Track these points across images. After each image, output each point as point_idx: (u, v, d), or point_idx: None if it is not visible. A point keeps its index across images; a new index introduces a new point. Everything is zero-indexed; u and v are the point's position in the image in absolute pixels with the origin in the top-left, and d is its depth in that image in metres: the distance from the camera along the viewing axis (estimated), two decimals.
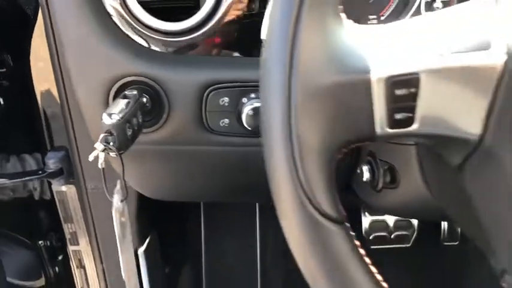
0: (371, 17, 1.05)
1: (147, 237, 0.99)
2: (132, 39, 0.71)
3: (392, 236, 1.25)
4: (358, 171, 0.82)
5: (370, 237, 1.25)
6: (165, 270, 1.25)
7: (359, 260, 0.49)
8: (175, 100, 0.70)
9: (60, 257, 1.14)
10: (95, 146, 0.58)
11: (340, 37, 0.47)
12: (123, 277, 0.77)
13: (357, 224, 1.24)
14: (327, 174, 0.46)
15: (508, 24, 0.45)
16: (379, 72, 0.45)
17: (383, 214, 1.24)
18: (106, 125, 0.59)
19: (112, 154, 0.60)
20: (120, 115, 0.59)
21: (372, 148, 0.80)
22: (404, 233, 1.26)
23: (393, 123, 0.46)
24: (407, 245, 1.29)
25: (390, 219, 1.25)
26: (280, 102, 0.44)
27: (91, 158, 0.59)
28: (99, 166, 0.61)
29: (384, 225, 1.24)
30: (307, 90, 0.44)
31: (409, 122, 0.47)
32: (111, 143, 0.58)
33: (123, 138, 0.60)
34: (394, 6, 1.05)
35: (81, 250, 1.07)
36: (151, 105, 0.68)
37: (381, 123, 0.46)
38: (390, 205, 0.87)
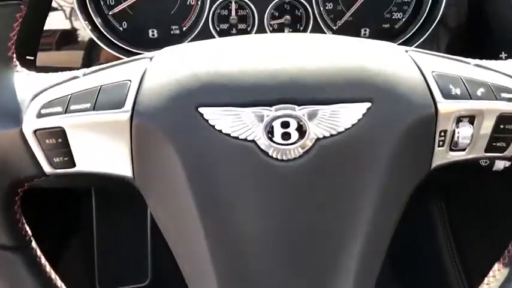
0: (174, 27, 1.29)
1: None
2: None
3: None
4: None
5: None
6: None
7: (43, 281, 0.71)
8: None
9: None
10: None
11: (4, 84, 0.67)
12: None
13: None
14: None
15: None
16: (28, 126, 0.62)
17: None
18: None
19: None
20: None
21: None
22: None
23: (55, 165, 0.64)
24: None
25: None
26: None
27: None
28: None
29: None
30: None
31: (69, 164, 0.64)
32: None
33: None
34: (194, 17, 1.28)
35: None
36: None
37: (47, 165, 0.63)
38: None
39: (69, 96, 0.63)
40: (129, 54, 1.24)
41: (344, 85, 0.62)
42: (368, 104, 0.61)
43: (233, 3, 1.29)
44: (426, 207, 1.80)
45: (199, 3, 1.28)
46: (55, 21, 1.21)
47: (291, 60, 0.64)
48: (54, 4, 1.19)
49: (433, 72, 0.65)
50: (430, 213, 1.78)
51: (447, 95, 0.64)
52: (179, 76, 0.63)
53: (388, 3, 1.31)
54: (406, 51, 0.69)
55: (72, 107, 0.62)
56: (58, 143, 0.63)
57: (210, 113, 0.61)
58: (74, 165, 0.64)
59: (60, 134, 0.62)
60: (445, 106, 0.64)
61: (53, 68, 1.19)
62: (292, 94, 0.61)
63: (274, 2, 1.28)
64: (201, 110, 0.61)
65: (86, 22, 1.20)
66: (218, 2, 1.27)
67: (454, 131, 0.65)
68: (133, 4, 1.25)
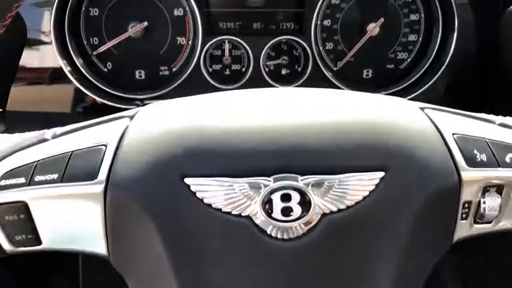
0: (162, 68, 1.21)
1: None
2: None
3: None
4: None
5: None
6: None
7: None
8: None
9: None
10: None
11: None
12: None
13: None
14: None
15: None
16: None
17: None
18: None
19: None
20: None
21: None
22: None
23: (17, 243, 0.56)
24: None
25: None
26: None
27: None
28: None
29: None
30: None
31: (34, 242, 0.56)
32: None
33: None
34: (185, 57, 1.19)
35: None
36: None
37: (7, 243, 0.56)
38: None
39: (35, 164, 0.56)
40: (113, 98, 1.17)
41: (353, 151, 0.54)
42: (381, 173, 0.54)
43: (226, 43, 1.22)
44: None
45: (190, 42, 1.20)
46: (39, 57, 1.13)
47: (291, 121, 0.56)
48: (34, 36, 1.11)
49: (454, 134, 0.58)
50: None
51: (472, 162, 0.57)
52: (162, 140, 0.55)
53: (392, 43, 1.24)
54: (422, 108, 0.61)
55: (37, 178, 0.55)
56: (20, 219, 0.55)
57: (197, 185, 0.53)
58: (39, 242, 0.57)
59: (22, 209, 0.55)
60: (469, 175, 0.56)
61: (28, 114, 1.14)
62: (294, 161, 0.53)
63: (270, 42, 1.20)
64: (188, 180, 0.53)
65: (65, 62, 1.11)
66: (211, 42, 1.20)
67: (479, 202, 0.58)
68: (119, 43, 1.17)
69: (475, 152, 0.57)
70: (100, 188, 0.53)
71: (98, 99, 1.13)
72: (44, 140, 0.59)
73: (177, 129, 0.55)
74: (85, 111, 1.16)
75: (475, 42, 1.19)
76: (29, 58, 1.11)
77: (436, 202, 0.55)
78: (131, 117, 0.59)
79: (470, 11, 1.16)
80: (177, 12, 1.18)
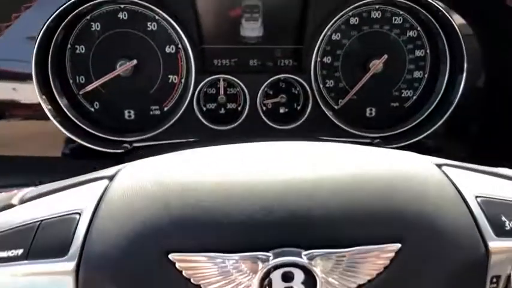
0: (153, 107, 1.16)
1: None
2: None
3: None
4: None
5: None
6: None
7: None
8: None
9: None
10: None
11: None
12: None
13: None
14: None
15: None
16: None
17: None
18: None
19: None
20: None
21: None
22: None
23: None
24: None
25: None
26: None
27: None
28: None
29: None
30: None
31: None
32: None
33: None
34: (177, 96, 1.13)
35: None
36: None
37: None
38: None
39: None
40: (99, 141, 1.10)
41: (364, 220, 0.48)
42: (397, 246, 0.47)
43: (221, 81, 1.15)
44: None
45: (182, 81, 1.14)
46: (23, 93, 1.06)
47: (293, 184, 0.49)
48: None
49: (477, 197, 0.52)
50: None
51: (500, 231, 0.50)
52: (145, 208, 0.48)
53: (396, 80, 1.18)
54: (439, 166, 0.55)
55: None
56: None
57: (184, 261, 0.46)
58: None
59: None
60: (498, 245, 0.50)
61: (10, 158, 1.07)
62: (296, 233, 0.47)
63: (268, 80, 1.14)
64: (173, 256, 0.46)
65: (45, 99, 1.05)
66: (205, 81, 1.13)
67: (510, 276, 0.51)
68: (107, 82, 1.11)
69: (503, 218, 0.51)
70: (71, 265, 0.47)
71: (83, 143, 1.06)
72: (10, 206, 0.52)
73: (162, 196, 0.49)
74: (72, 153, 1.10)
75: (484, 76, 1.13)
76: (16, 93, 1.05)
77: (460, 278, 0.49)
78: (110, 178, 0.53)
79: (477, 43, 1.10)
80: (169, 49, 1.13)
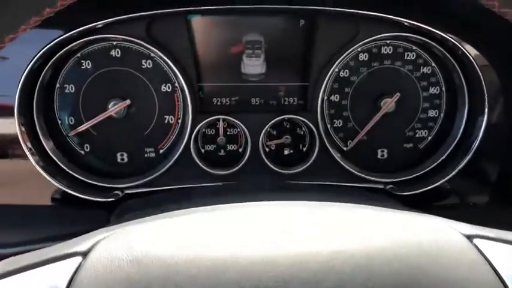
0: (148, 150, 1.08)
1: None
2: None
3: None
4: None
5: None
6: None
7: None
8: None
9: None
10: None
11: None
12: None
13: None
14: None
15: None
16: None
17: None
18: None
19: None
20: None
21: None
22: None
23: None
24: None
25: None
26: None
27: None
28: None
29: None
30: None
31: None
32: None
33: None
34: (173, 138, 1.06)
35: None
36: None
37: None
38: None
39: None
40: (87, 188, 1.03)
41: None
42: None
43: (221, 121, 1.08)
44: None
45: (179, 121, 1.07)
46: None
47: (296, 270, 0.42)
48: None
49: None
50: None
51: None
52: None
53: (410, 120, 1.11)
54: (469, 237, 0.47)
55: None
56: None
57: None
58: None
59: None
60: None
61: None
62: None
63: (271, 121, 1.07)
64: None
65: (27, 141, 0.97)
66: (204, 122, 1.06)
67: None
68: (98, 123, 1.04)
69: None
70: None
71: (70, 192, 0.99)
72: None
73: (141, 281, 0.41)
74: (60, 201, 1.02)
75: (505, 114, 1.05)
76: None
77: None
78: (84, 255, 0.45)
79: (494, 74, 1.02)
80: (165, 87, 1.06)
